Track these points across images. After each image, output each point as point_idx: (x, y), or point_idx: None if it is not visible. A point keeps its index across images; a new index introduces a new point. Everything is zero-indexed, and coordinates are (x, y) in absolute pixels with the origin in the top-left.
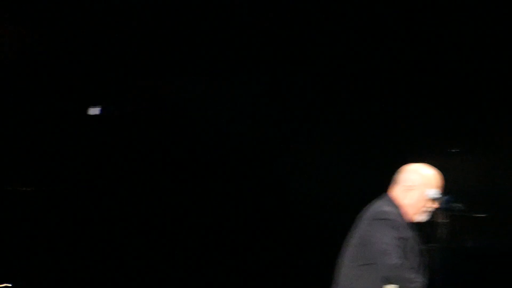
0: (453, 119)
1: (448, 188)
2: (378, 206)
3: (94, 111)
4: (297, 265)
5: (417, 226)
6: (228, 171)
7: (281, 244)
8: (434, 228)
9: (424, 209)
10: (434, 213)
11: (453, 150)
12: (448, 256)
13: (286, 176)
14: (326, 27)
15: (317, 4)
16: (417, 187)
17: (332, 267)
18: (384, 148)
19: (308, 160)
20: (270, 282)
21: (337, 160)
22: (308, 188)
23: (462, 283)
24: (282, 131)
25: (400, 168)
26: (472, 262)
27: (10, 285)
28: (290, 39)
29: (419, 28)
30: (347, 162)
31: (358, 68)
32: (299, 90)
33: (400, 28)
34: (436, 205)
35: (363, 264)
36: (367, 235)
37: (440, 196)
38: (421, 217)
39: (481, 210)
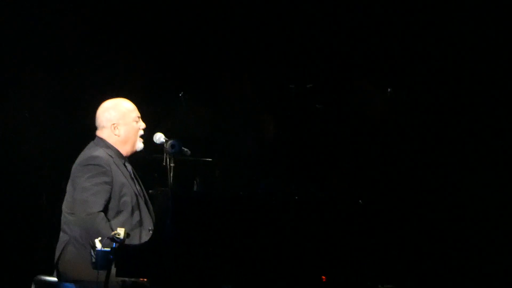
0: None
1: (175, 133)
2: (88, 151)
3: None
4: None
5: (135, 173)
6: None
7: None
8: (163, 173)
9: (136, 138)
10: (163, 158)
11: (181, 95)
12: (176, 200)
13: None
14: None
15: None
16: (119, 123)
17: None
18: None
19: None
20: None
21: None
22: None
23: (187, 227)
24: None
25: (97, 109)
26: (198, 205)
27: None
28: None
29: None
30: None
31: None
32: None
33: None
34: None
35: (69, 213)
36: (75, 178)
37: (166, 139)
38: (138, 146)
39: (207, 155)
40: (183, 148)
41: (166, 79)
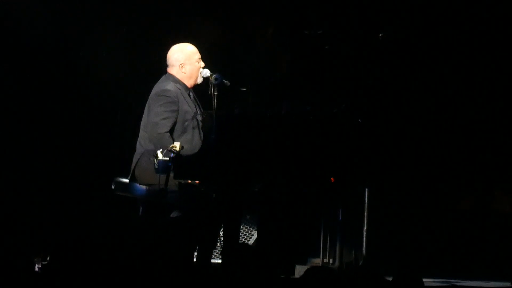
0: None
1: (217, 67)
2: (161, 84)
3: None
4: None
5: (197, 99)
6: None
7: None
8: (209, 100)
9: (198, 74)
10: (209, 88)
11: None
12: (218, 120)
13: None
14: None
15: None
16: (185, 63)
17: None
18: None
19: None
20: None
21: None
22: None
23: (227, 141)
24: None
25: (168, 51)
26: (235, 124)
27: None
28: None
29: None
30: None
31: None
32: None
33: None
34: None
35: (144, 130)
36: (150, 105)
37: (211, 73)
38: (199, 80)
39: (243, 84)
40: (224, 80)
41: (216, 29)
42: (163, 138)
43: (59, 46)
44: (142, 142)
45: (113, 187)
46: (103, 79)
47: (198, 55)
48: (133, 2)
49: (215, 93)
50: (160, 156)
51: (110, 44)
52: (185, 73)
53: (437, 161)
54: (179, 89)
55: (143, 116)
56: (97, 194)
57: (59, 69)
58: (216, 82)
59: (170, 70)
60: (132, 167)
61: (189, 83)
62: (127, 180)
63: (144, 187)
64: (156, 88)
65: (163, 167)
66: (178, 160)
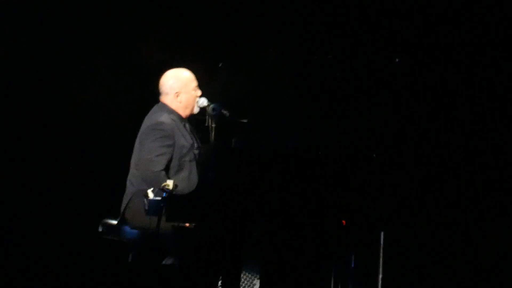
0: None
1: (216, 96)
2: (154, 116)
3: None
4: None
5: (193, 130)
6: None
7: None
8: (206, 132)
9: (194, 104)
10: (205, 119)
11: (220, 65)
12: (217, 155)
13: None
14: None
15: None
16: (181, 91)
17: None
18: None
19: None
20: None
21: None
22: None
23: (226, 178)
24: None
25: (161, 77)
26: (236, 159)
27: None
28: None
29: None
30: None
31: None
32: None
33: None
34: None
35: (136, 169)
36: (142, 141)
37: (209, 103)
38: (195, 110)
39: (244, 116)
40: (222, 110)
41: (209, 51)
42: (159, 177)
43: (39, 67)
44: (134, 180)
45: (100, 229)
46: (87, 107)
47: (195, 83)
48: (124, 21)
49: (213, 125)
50: (150, 195)
51: (96, 68)
52: (180, 102)
53: (461, 201)
54: (174, 120)
55: (134, 151)
56: (82, 237)
57: (37, 94)
58: (214, 112)
59: (164, 98)
60: (122, 208)
61: (185, 113)
62: (115, 222)
63: (134, 230)
64: (148, 121)
65: (154, 208)
66: (171, 200)
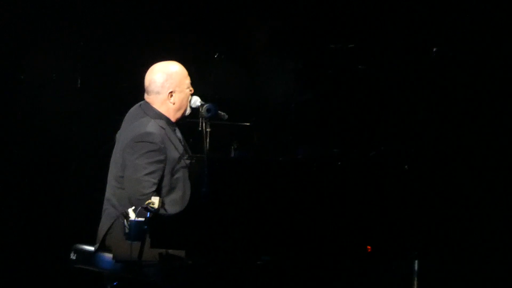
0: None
1: (210, 95)
2: (139, 124)
3: None
4: None
5: (183, 137)
6: None
7: None
8: (199, 138)
9: (187, 104)
10: (198, 123)
11: (215, 56)
12: (212, 166)
13: None
14: None
15: None
16: (175, 90)
17: None
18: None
19: None
20: None
21: None
22: None
23: (224, 195)
24: None
25: (148, 73)
26: (235, 172)
27: None
28: None
29: None
30: None
31: None
32: None
33: None
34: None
35: (119, 187)
36: (127, 155)
37: (202, 103)
38: (187, 112)
39: (245, 119)
40: (219, 112)
41: (200, 40)
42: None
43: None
44: (115, 200)
45: (72, 257)
46: (51, 111)
47: (188, 79)
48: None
49: (208, 130)
50: (132, 216)
51: (63, 63)
52: (174, 103)
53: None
54: (163, 128)
55: (112, 162)
56: (50, 266)
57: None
58: (209, 114)
59: (153, 98)
60: (102, 234)
61: (176, 116)
62: (92, 249)
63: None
64: (132, 130)
65: (136, 231)
66: (156, 222)
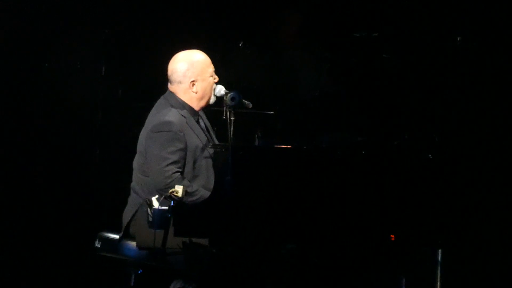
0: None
1: (235, 83)
2: (159, 114)
3: None
4: None
5: (209, 126)
6: None
7: None
8: (223, 127)
9: (211, 93)
10: (222, 111)
11: (240, 44)
12: (236, 155)
13: None
14: None
15: None
16: (197, 79)
17: None
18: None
19: None
20: None
21: None
22: None
23: (248, 183)
24: None
25: (171, 62)
26: (260, 161)
27: None
28: None
29: None
30: None
31: None
32: None
33: None
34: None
35: (143, 174)
36: (148, 146)
37: (227, 92)
38: (212, 100)
39: (269, 107)
40: (243, 100)
41: (225, 28)
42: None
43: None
44: (139, 188)
45: (97, 245)
46: (76, 100)
47: (212, 67)
48: None
49: (232, 118)
50: (155, 204)
51: (87, 52)
52: (196, 92)
53: None
54: (184, 117)
55: (138, 150)
56: (75, 253)
57: (17, 85)
58: (233, 103)
59: (175, 88)
60: (126, 221)
61: (199, 105)
62: (117, 237)
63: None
64: (153, 119)
65: (160, 219)
66: (180, 211)
